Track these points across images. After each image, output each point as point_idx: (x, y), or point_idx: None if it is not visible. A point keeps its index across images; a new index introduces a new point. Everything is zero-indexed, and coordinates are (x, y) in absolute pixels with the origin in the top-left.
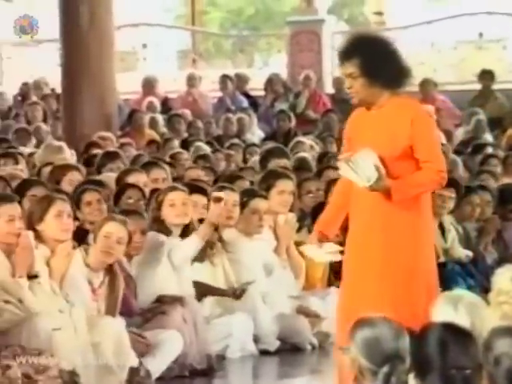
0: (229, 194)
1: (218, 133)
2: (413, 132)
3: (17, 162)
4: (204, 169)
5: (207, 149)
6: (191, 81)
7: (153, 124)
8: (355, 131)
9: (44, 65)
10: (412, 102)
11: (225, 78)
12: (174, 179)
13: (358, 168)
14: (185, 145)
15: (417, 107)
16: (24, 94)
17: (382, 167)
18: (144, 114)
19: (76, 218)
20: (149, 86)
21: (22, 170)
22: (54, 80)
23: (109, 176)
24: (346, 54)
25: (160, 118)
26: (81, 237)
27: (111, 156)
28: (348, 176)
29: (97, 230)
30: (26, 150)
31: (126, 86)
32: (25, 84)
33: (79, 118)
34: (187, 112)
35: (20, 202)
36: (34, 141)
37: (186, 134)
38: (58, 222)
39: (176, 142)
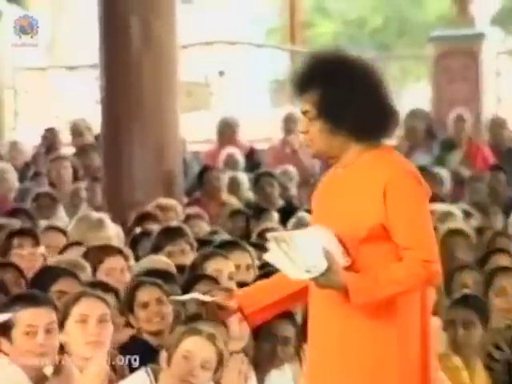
0: None
1: None
2: (386, 205)
3: (37, 243)
4: None
5: None
6: (289, 124)
7: (233, 186)
8: (316, 202)
9: (77, 102)
10: (389, 160)
11: None
12: (261, 266)
13: (296, 251)
14: (283, 216)
15: (394, 168)
16: (50, 143)
17: (340, 253)
18: (221, 173)
19: (129, 325)
20: (228, 131)
21: (43, 255)
22: (91, 124)
23: (168, 263)
24: (301, 84)
25: (244, 178)
26: (136, 349)
27: (173, 233)
28: (276, 263)
29: (172, 347)
30: (51, 223)
31: (194, 131)
32: (49, 130)
33: (127, 178)
34: (286, 169)
35: None
36: (61, 210)
37: (280, 201)
38: (81, 330)
39: (273, 214)
